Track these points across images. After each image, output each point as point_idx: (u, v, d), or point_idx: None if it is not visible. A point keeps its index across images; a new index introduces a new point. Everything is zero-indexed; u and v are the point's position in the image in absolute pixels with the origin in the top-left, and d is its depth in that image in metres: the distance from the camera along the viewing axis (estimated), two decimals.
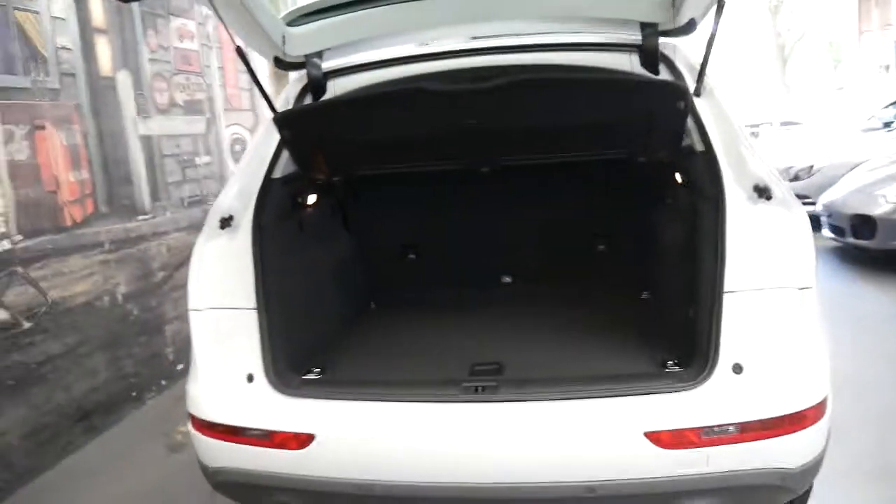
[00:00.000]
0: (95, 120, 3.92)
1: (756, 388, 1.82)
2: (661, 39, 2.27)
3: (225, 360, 2.09)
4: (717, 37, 2.09)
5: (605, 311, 2.56)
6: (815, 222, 6.39)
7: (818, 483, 2.07)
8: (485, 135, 2.30)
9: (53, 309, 3.47)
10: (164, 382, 4.20)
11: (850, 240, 6.13)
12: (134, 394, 3.98)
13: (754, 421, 1.79)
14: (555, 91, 2.14)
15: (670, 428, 1.76)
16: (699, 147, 2.10)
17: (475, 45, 2.44)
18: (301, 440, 1.90)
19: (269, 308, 2.08)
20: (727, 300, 1.87)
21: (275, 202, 2.26)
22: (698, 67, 2.22)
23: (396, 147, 2.41)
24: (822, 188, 7.04)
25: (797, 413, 1.82)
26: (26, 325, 3.31)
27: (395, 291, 3.00)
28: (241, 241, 2.18)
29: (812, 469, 1.91)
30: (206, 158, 4.95)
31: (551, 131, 2.28)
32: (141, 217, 4.20)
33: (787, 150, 9.05)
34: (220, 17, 2.21)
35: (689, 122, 2.15)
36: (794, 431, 1.82)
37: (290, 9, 2.47)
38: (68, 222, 3.64)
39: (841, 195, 6.41)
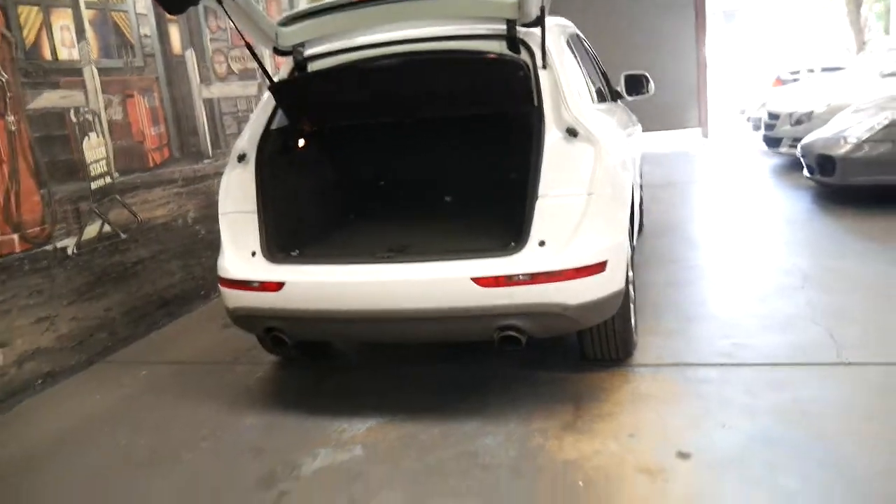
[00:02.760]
0: (169, 88, 5.26)
1: (550, 254, 2.93)
2: (521, 29, 3.34)
3: (238, 243, 3.34)
4: (546, 28, 3.17)
5: (500, 216, 3.65)
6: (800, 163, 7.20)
7: None
8: (406, 96, 3.46)
9: (142, 226, 4.86)
10: None
11: (818, 177, 6.92)
12: (202, 292, 5.37)
13: (542, 272, 2.90)
14: (441, 65, 3.29)
15: (486, 275, 2.90)
16: (536, 103, 3.18)
17: (403, 37, 3.56)
18: (278, 286, 3.14)
19: (265, 212, 3.32)
20: (539, 202, 2.98)
21: (270, 145, 3.48)
22: (552, 48, 3.31)
23: (351, 105, 3.61)
24: None
25: (573, 269, 2.92)
26: (123, 236, 4.70)
27: (370, 208, 4.21)
28: (249, 170, 3.42)
29: (590, 308, 2.99)
30: None
31: (448, 93, 3.42)
32: (205, 160, 5.54)
33: (803, 96, 9.64)
34: (233, 22, 3.44)
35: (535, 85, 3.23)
36: (570, 279, 2.92)
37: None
38: (151, 164, 5.01)
39: (815, 138, 7.15)
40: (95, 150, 4.52)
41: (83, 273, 4.36)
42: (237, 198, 3.42)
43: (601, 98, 4.64)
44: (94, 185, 4.49)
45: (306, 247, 3.46)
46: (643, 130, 14.20)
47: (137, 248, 4.80)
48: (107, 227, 4.57)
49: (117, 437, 3.39)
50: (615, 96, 5.22)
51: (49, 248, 4.13)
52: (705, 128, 13.54)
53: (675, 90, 13.52)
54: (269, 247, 3.28)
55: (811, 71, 13.42)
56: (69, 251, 4.27)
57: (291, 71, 3.70)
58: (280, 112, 3.59)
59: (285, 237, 3.41)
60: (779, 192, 7.72)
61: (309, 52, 3.66)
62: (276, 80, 3.65)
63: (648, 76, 5.27)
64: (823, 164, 6.75)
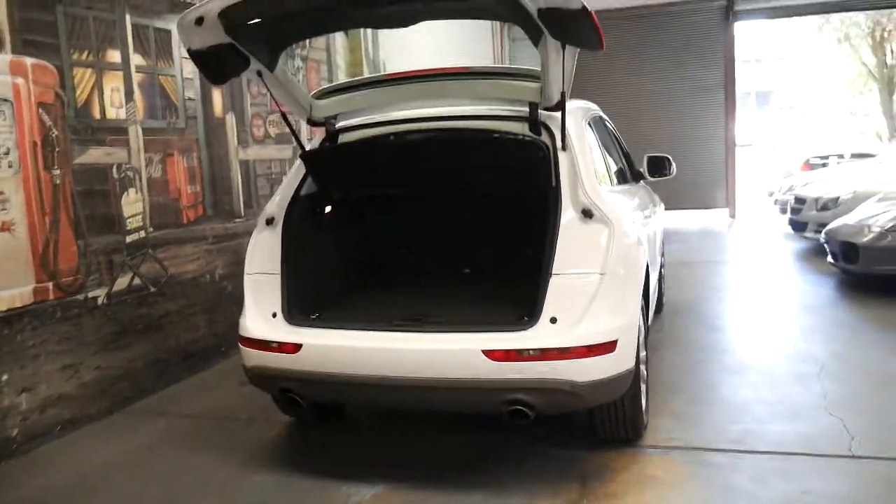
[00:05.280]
0: (208, 149, 5.49)
1: (561, 331, 3.00)
2: (543, 112, 3.49)
3: (261, 304, 3.46)
4: (567, 116, 3.33)
5: (517, 290, 3.73)
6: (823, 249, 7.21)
7: None
8: (431, 170, 3.61)
9: (171, 280, 5.01)
10: None
11: (841, 264, 6.93)
12: (223, 349, 5.48)
13: (552, 349, 2.96)
14: (465, 143, 3.44)
15: (497, 348, 2.98)
16: (554, 183, 3.30)
17: (432, 115, 3.73)
18: (296, 347, 3.24)
19: (287, 275, 3.44)
20: (553, 279, 3.07)
21: (298, 210, 3.63)
22: (572, 131, 3.45)
23: (378, 176, 3.77)
24: None
25: (583, 346, 2.98)
26: (152, 289, 4.85)
27: (391, 274, 4.33)
28: (276, 233, 3.56)
29: (599, 386, 3.04)
30: None
31: (471, 170, 3.57)
32: (237, 219, 5.73)
33: (830, 181, 9.72)
34: (272, 95, 3.64)
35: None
36: (580, 357, 2.98)
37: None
38: (185, 220, 5.20)
39: (839, 224, 7.19)
40: (133, 205, 4.72)
41: (111, 323, 4.50)
42: (262, 260, 3.56)
43: (622, 179, 4.76)
44: (128, 239, 4.67)
45: (326, 310, 3.57)
46: (671, 209, 14.32)
47: (165, 302, 4.95)
48: (137, 280, 4.72)
49: (130, 486, 3.46)
50: (637, 177, 5.34)
51: (80, 297, 4.28)
52: (732, 208, 13.61)
53: (704, 170, 13.66)
54: (290, 309, 3.39)
55: (840, 157, 13.51)
56: (99, 301, 4.42)
57: (322, 141, 3.88)
58: (310, 179, 3.75)
59: (306, 300, 3.52)
60: (801, 277, 7.72)
61: (341, 124, 3.84)
62: (307, 148, 3.82)
63: (671, 158, 5.39)
64: (847, 251, 6.77)
